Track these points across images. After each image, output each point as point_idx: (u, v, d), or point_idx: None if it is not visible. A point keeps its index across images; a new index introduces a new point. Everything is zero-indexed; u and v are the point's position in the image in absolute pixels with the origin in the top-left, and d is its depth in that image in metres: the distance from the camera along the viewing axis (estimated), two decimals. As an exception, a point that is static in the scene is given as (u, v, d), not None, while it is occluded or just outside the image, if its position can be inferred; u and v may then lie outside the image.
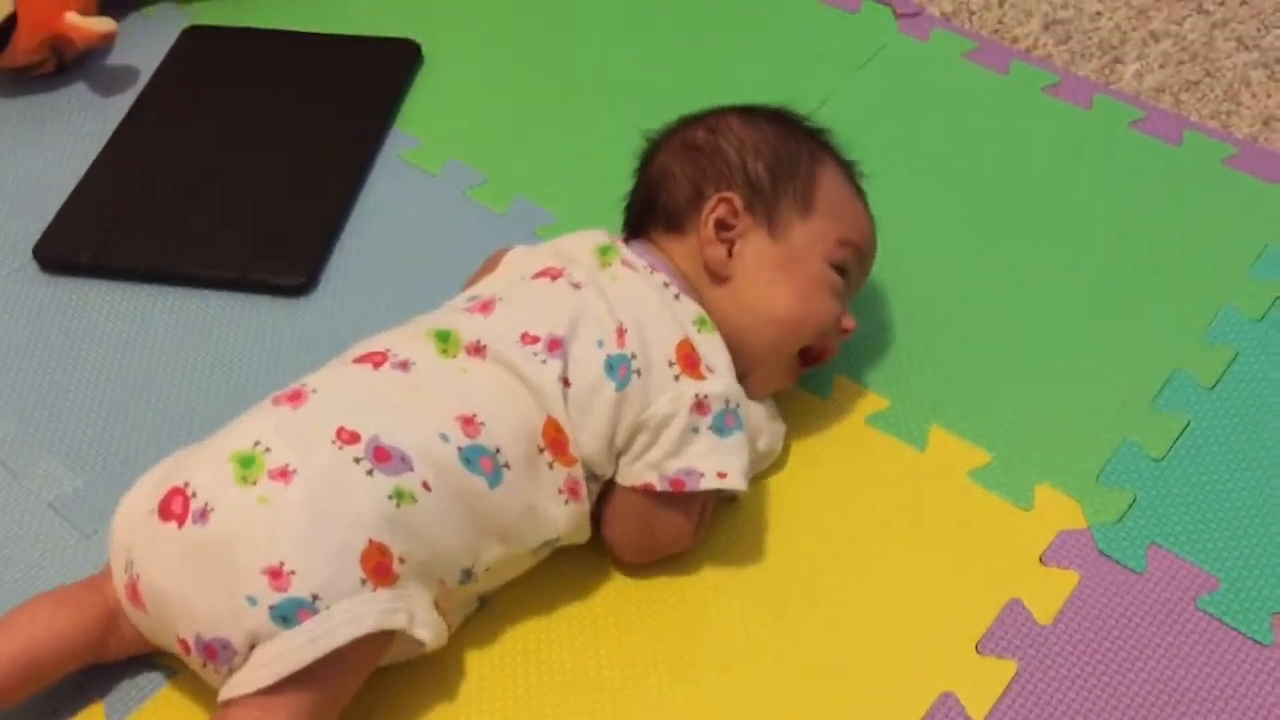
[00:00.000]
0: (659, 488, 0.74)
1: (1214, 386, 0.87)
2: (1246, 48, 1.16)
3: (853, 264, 0.82)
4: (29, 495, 0.84)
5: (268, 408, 0.72)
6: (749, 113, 0.85)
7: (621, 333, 0.75)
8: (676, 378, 0.74)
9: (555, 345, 0.73)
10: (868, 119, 1.08)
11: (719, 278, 0.80)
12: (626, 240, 0.83)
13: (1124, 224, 0.99)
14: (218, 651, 0.65)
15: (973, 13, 1.20)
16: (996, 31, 1.18)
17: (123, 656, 0.73)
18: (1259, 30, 1.18)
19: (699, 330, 0.77)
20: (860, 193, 0.85)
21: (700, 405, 0.74)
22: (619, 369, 0.74)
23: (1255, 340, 0.90)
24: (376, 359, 0.73)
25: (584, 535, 0.76)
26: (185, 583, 0.66)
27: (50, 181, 1.05)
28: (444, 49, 1.16)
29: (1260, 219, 0.98)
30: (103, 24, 1.11)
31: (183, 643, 0.67)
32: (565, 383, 0.73)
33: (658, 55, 1.16)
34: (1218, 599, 0.76)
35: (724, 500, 0.80)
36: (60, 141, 1.09)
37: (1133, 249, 0.97)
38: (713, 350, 0.77)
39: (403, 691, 0.73)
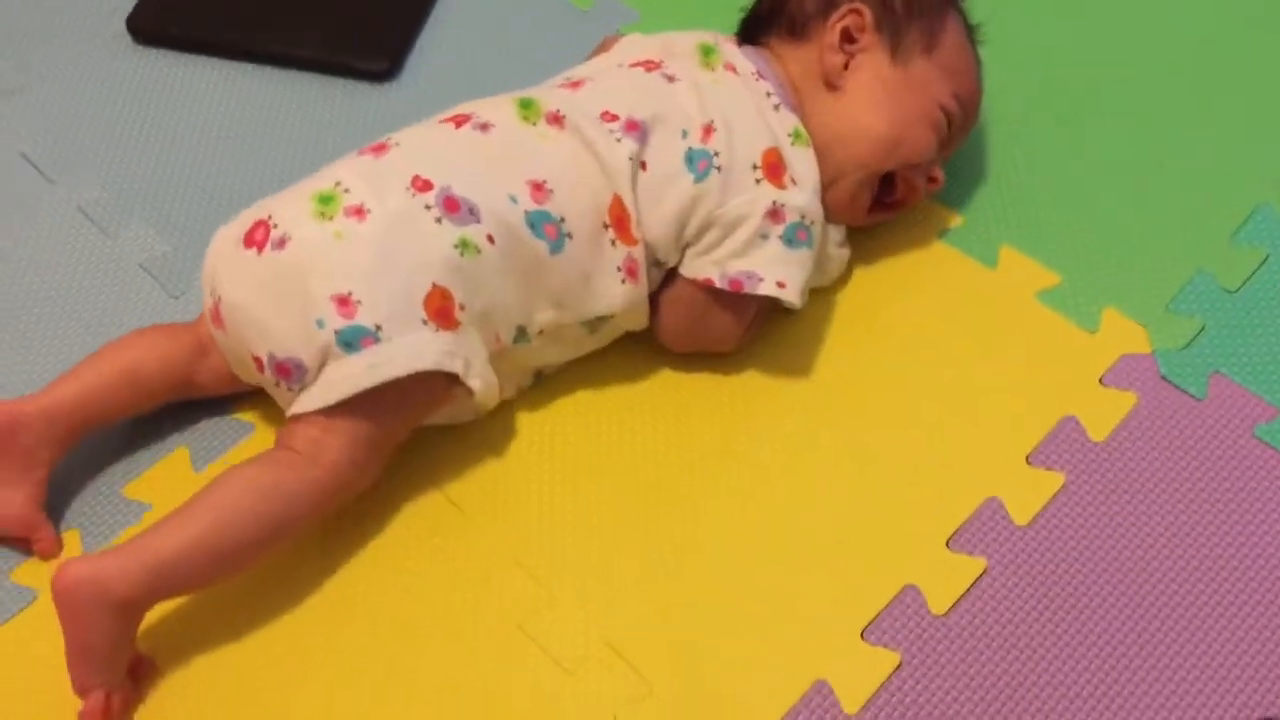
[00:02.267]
0: (718, 284, 0.75)
1: (1299, 223, 0.86)
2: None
3: (957, 119, 0.81)
4: (121, 255, 0.88)
5: (353, 157, 0.75)
6: None
7: (709, 130, 0.75)
8: (758, 181, 0.75)
9: (633, 126, 0.74)
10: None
11: (830, 86, 0.80)
12: (740, 44, 0.83)
13: (1222, 60, 0.95)
14: (290, 370, 0.70)
15: None
16: None
17: (211, 390, 0.78)
18: None
19: (793, 143, 0.77)
20: (978, 59, 0.84)
21: (775, 213, 0.74)
22: (698, 162, 0.75)
23: (1349, 179, 0.88)
24: (459, 119, 0.75)
25: (641, 320, 0.78)
26: (262, 303, 0.70)
27: (143, -46, 1.05)
28: None
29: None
30: None
31: (257, 360, 0.71)
32: (641, 165, 0.74)
33: None
34: (1276, 429, 0.77)
35: (786, 309, 0.80)
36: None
37: (1228, 77, 0.94)
38: (802, 164, 0.77)
39: (458, 448, 0.77)
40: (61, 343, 0.83)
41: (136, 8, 1.01)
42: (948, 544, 0.73)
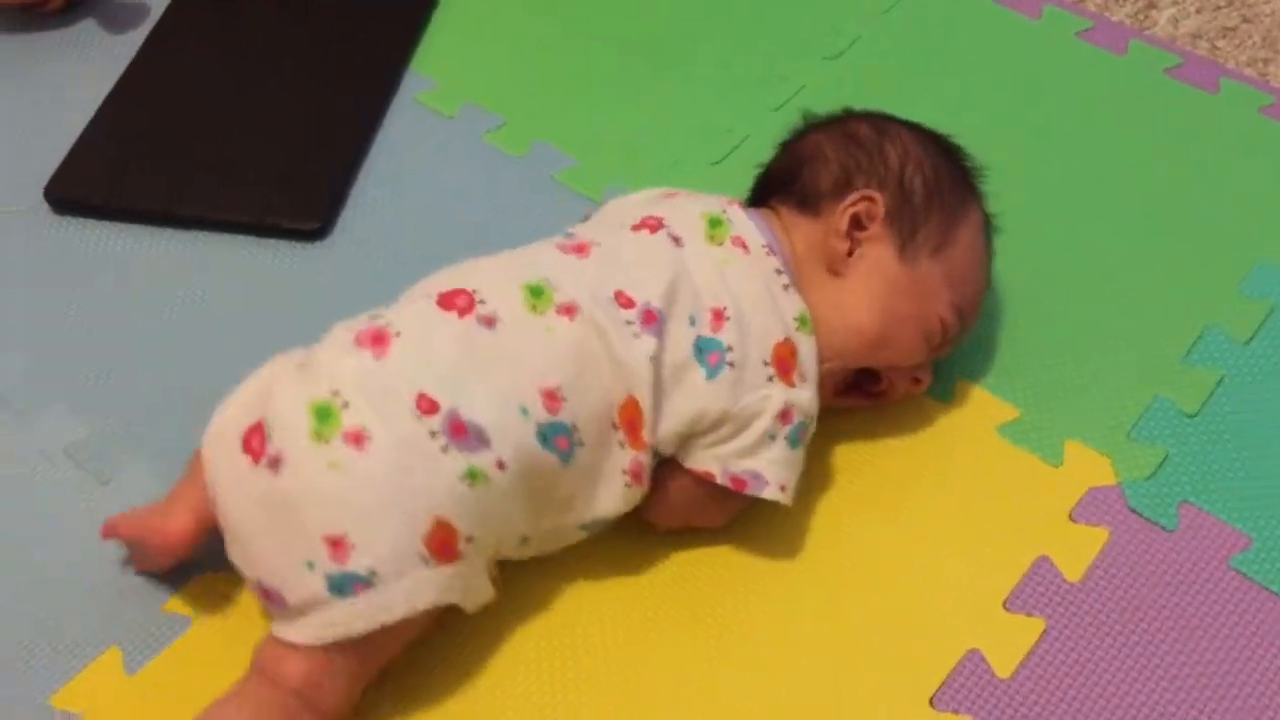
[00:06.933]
0: (719, 480, 0.72)
1: (1249, 341, 0.86)
2: (1286, -7, 1.13)
3: (953, 330, 0.78)
4: (42, 440, 0.83)
5: (349, 345, 0.69)
6: (916, 127, 0.81)
7: (719, 316, 0.72)
8: (770, 379, 0.71)
9: (650, 318, 0.70)
10: (895, 63, 1.06)
11: (831, 270, 0.76)
12: (748, 205, 0.80)
13: (1159, 174, 0.96)
14: (274, 599, 0.66)
15: (1004, -45, 1.17)
16: (1028, -26, 1.15)
17: None
18: (1299, -25, 1.14)
19: (798, 328, 0.74)
20: (990, 251, 0.81)
21: (785, 414, 0.71)
22: (709, 355, 0.71)
23: (1292, 294, 0.88)
24: (462, 304, 0.70)
25: (634, 505, 0.74)
26: (253, 526, 0.66)
27: (60, 121, 1.02)
28: (461, -12, 1.14)
29: (1299, 170, 0.96)
30: (112, -42, 1.09)
31: (243, 573, 0.68)
32: (656, 362, 0.70)
33: (681, -4, 1.13)
34: (1250, 558, 0.75)
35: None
36: (70, 80, 1.07)
37: (1168, 200, 0.95)
38: (806, 355, 0.73)
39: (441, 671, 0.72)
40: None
41: (54, 177, 0.98)
42: (931, 702, 0.70)
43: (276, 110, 1.03)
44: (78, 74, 1.07)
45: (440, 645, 0.72)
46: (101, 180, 0.97)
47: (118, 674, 0.72)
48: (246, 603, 0.74)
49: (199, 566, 0.76)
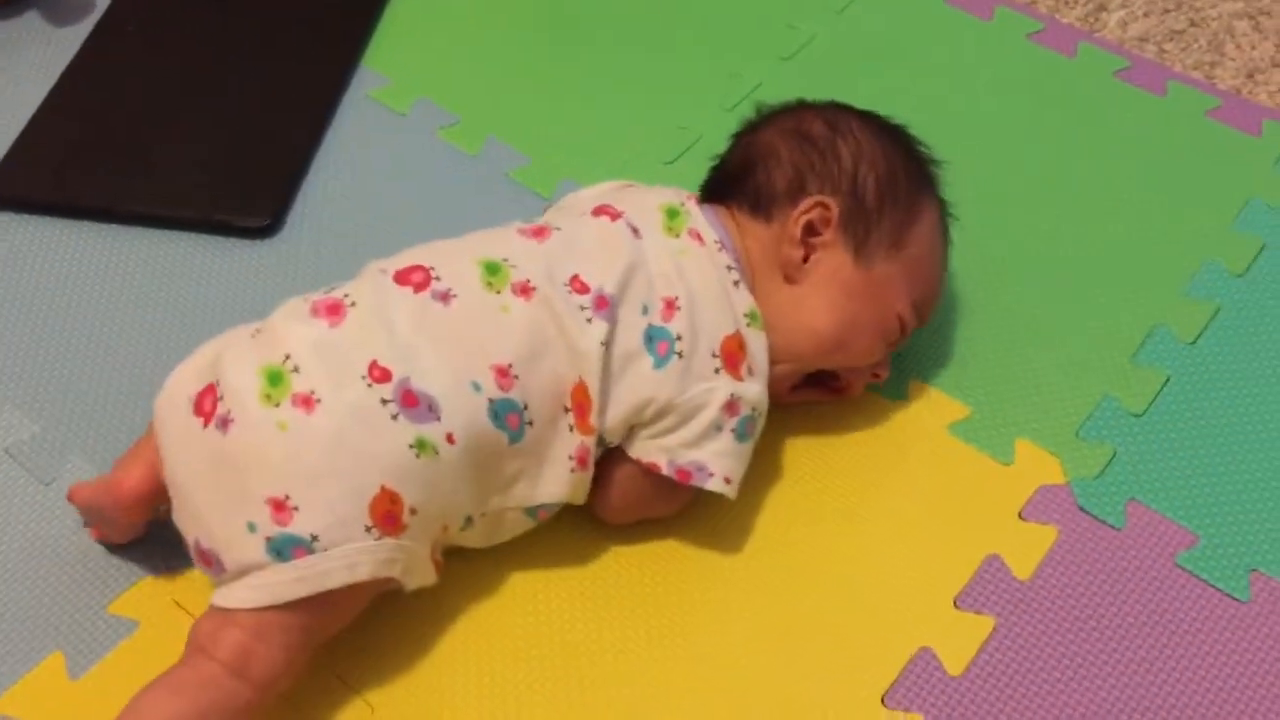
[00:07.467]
0: (665, 471, 0.72)
1: (1195, 342, 0.87)
2: (1231, -2, 1.14)
3: (911, 326, 0.78)
4: (-17, 441, 0.82)
5: (305, 315, 0.69)
6: (870, 119, 0.80)
7: (671, 305, 0.72)
8: (717, 371, 0.72)
9: (603, 303, 0.70)
10: (849, 62, 1.06)
11: (786, 277, 0.76)
12: (701, 201, 0.79)
13: (1107, 176, 0.97)
14: (212, 562, 0.66)
15: (957, -43, 1.18)
16: (980, -24, 1.16)
17: None
18: (1244, -20, 1.16)
19: (748, 324, 0.74)
20: (947, 240, 0.81)
21: (731, 405, 0.71)
22: (658, 344, 0.71)
23: (1237, 295, 0.89)
24: (418, 279, 0.70)
25: (581, 499, 0.74)
26: (198, 487, 0.66)
27: (2, 116, 1.00)
28: (414, -17, 1.13)
29: (1243, 173, 0.97)
30: (56, -50, 1.07)
31: (184, 538, 0.68)
32: (606, 347, 0.70)
33: (635, -6, 1.13)
34: (1196, 556, 0.76)
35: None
36: (13, 74, 1.05)
37: (1115, 202, 0.96)
38: (757, 350, 0.74)
39: (394, 622, 0.73)
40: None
41: (-4, 172, 0.96)
42: (883, 701, 0.70)
43: (225, 105, 1.01)
44: (20, 68, 1.05)
45: (383, 626, 0.72)
46: (45, 177, 0.96)
47: (61, 679, 0.71)
48: (193, 605, 0.73)
49: (143, 568, 0.75)
